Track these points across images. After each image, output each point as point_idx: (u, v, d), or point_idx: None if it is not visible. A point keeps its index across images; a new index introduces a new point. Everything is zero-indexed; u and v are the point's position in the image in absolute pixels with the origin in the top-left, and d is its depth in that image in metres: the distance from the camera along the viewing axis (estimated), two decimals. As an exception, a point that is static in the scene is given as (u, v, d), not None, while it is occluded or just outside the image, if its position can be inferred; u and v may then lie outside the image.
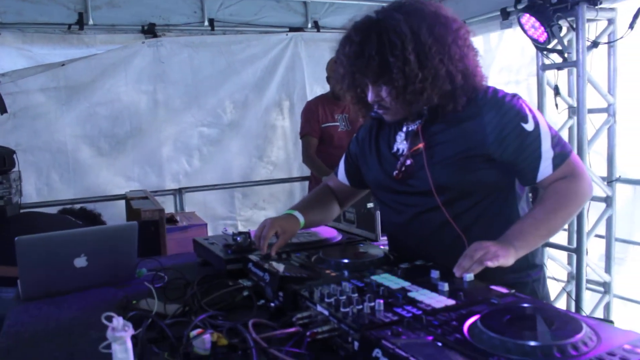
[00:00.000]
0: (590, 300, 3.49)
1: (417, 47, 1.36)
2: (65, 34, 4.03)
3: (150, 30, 4.27)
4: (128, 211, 3.46)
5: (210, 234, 3.60)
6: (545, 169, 1.40)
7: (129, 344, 0.90)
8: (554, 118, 3.51)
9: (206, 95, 4.45)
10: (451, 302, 1.13)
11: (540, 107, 3.40)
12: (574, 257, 3.39)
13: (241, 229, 3.95)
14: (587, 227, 3.28)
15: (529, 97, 3.53)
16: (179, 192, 4.35)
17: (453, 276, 1.29)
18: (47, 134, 3.94)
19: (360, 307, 1.11)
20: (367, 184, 1.75)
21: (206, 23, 4.45)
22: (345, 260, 1.49)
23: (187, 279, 1.67)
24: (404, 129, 1.56)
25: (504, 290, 1.20)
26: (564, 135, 3.46)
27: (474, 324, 0.97)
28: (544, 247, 3.52)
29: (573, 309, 3.40)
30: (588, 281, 3.47)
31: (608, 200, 3.33)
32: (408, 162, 1.51)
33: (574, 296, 3.36)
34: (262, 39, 4.61)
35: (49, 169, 3.95)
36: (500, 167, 1.45)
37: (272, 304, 1.38)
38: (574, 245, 3.38)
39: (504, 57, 4.28)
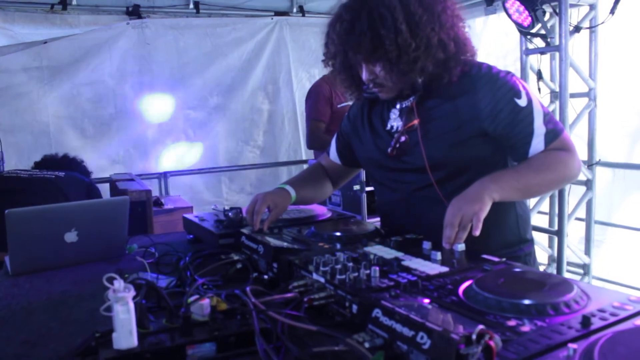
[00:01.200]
0: (570, 282, 3.57)
1: (408, 17, 1.38)
2: (48, 13, 3.95)
3: (134, 12, 4.21)
4: (113, 194, 3.42)
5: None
6: (538, 144, 1.42)
7: (131, 304, 0.91)
8: (537, 103, 3.56)
9: (192, 78, 4.41)
10: (445, 269, 1.16)
11: (524, 91, 3.44)
12: (555, 239, 3.46)
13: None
14: (567, 210, 3.36)
15: (513, 83, 3.57)
16: (163, 176, 4.32)
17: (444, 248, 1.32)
18: (29, 114, 3.88)
19: (356, 274, 1.13)
20: (360, 162, 1.76)
21: (191, 6, 4.41)
22: (338, 233, 1.51)
23: (179, 253, 1.67)
24: (398, 105, 1.58)
25: (495, 258, 1.24)
26: (547, 120, 3.51)
27: (469, 286, 1.00)
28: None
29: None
30: (568, 263, 3.55)
31: (588, 184, 3.41)
32: (403, 138, 1.53)
33: (554, 277, 3.44)
34: (247, 22, 4.58)
35: (31, 150, 3.88)
36: (494, 142, 1.47)
37: (266, 276, 1.39)
38: (555, 228, 3.46)
39: (489, 43, 4.32)
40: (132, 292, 0.93)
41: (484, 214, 1.32)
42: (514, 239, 1.60)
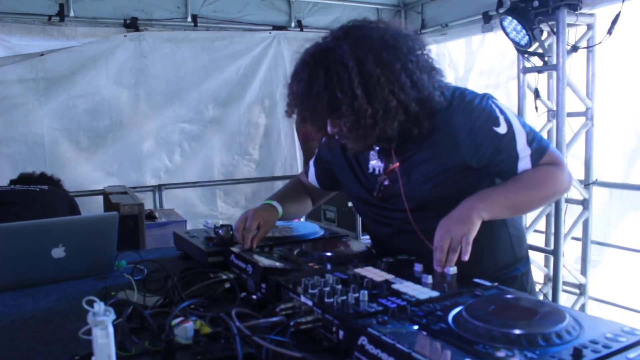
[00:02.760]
0: (566, 302, 3.55)
1: (364, 80, 1.29)
2: (46, 25, 3.95)
3: (132, 25, 4.21)
4: (106, 207, 3.40)
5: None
6: (525, 166, 1.39)
7: (111, 329, 0.88)
8: (533, 121, 3.56)
9: (188, 91, 4.40)
10: (435, 293, 1.13)
11: (521, 109, 3.45)
12: (551, 259, 3.44)
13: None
14: (564, 230, 3.34)
15: (508, 101, 3.58)
16: (158, 189, 4.30)
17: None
18: (24, 126, 3.85)
19: (345, 297, 1.10)
20: (347, 195, 1.72)
21: (189, 19, 4.41)
22: (328, 254, 1.48)
23: (167, 271, 1.64)
24: (375, 147, 1.50)
25: (487, 283, 1.21)
26: (543, 138, 3.51)
27: (458, 313, 0.98)
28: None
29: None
30: (564, 283, 3.53)
31: (585, 203, 3.39)
32: (386, 182, 1.50)
33: (550, 298, 3.41)
34: (245, 36, 4.59)
35: (25, 162, 3.83)
36: (479, 171, 1.44)
37: (255, 296, 1.36)
38: (551, 247, 3.43)
39: (485, 61, 4.34)
40: (112, 316, 0.90)
41: (472, 234, 1.30)
42: (508, 259, 1.58)
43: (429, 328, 0.94)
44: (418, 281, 1.23)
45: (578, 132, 3.32)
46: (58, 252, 1.65)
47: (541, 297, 3.56)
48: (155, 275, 1.64)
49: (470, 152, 1.39)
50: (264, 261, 1.44)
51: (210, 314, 1.09)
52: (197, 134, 4.48)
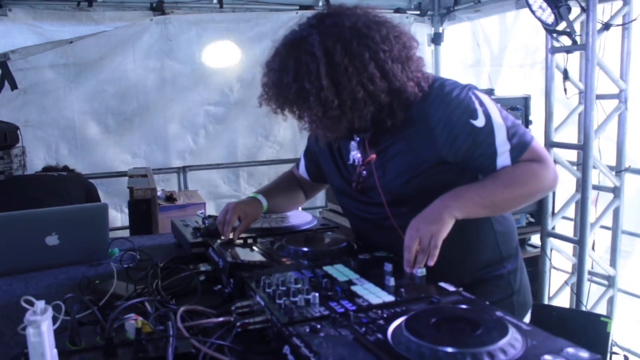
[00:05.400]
0: (594, 294, 3.39)
1: (332, 71, 1.27)
2: (75, 10, 4.05)
3: (158, 8, 4.25)
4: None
5: (212, 213, 3.62)
6: (504, 162, 1.32)
7: (43, 329, 0.90)
8: (563, 103, 3.38)
9: (213, 74, 4.43)
10: (390, 298, 1.10)
11: (548, 91, 3.26)
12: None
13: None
14: (591, 219, 3.17)
15: (543, 81, 3.39)
16: (182, 170, 4.38)
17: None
18: (56, 111, 4.00)
19: (295, 299, 1.09)
20: (331, 187, 1.71)
21: (215, 1, 4.41)
22: (304, 249, 1.47)
23: (153, 260, 1.67)
24: (356, 137, 1.48)
25: (451, 287, 1.16)
26: (574, 121, 3.32)
27: (398, 325, 0.94)
28: (548, 237, 3.43)
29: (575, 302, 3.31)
30: (593, 274, 3.37)
31: (616, 191, 3.20)
32: (363, 173, 1.46)
33: (575, 289, 3.27)
34: (271, 17, 4.54)
35: (58, 145, 4.02)
36: (457, 166, 1.37)
37: (227, 290, 1.37)
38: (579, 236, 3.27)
39: (520, 38, 4.13)
40: (48, 316, 0.92)
41: (442, 235, 1.24)
42: (493, 257, 1.51)
43: (364, 339, 0.91)
44: (381, 282, 1.19)
45: (610, 115, 3.11)
46: (52, 240, 1.71)
47: (567, 290, 3.42)
48: (145, 264, 1.68)
49: (447, 145, 1.34)
50: (238, 255, 1.44)
51: (158, 313, 1.10)
52: (222, 116, 4.51)
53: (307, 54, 1.29)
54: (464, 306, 1.02)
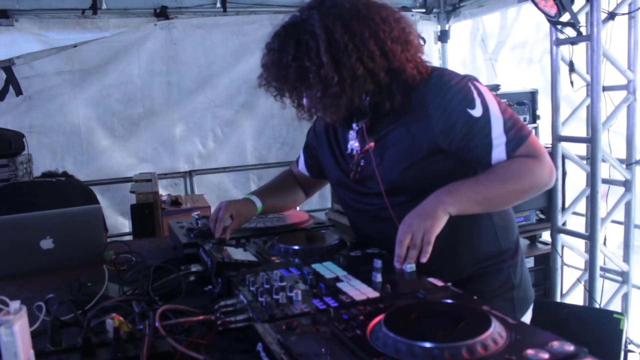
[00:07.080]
0: (608, 291, 3.30)
1: (332, 47, 1.26)
2: (80, 18, 4.09)
3: (162, 13, 4.28)
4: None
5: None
6: (499, 155, 1.29)
7: (16, 328, 0.89)
8: (570, 96, 3.30)
9: (219, 76, 4.43)
10: (375, 294, 1.07)
11: (554, 84, 3.19)
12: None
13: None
14: (602, 213, 3.09)
15: (542, 76, 3.33)
16: (189, 175, 4.38)
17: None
18: (61, 116, 4.03)
19: (277, 296, 1.06)
20: (328, 180, 1.69)
21: (218, 4, 4.43)
22: (295, 247, 1.45)
23: (146, 262, 1.66)
24: (355, 126, 1.47)
25: (440, 283, 1.13)
26: (582, 114, 3.24)
27: (378, 321, 0.91)
28: (558, 234, 3.35)
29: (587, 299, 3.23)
30: (606, 270, 3.28)
31: (627, 185, 3.11)
32: (362, 162, 1.45)
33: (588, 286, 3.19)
34: (275, 19, 4.50)
35: (63, 151, 4.05)
36: (454, 155, 1.35)
37: (216, 290, 1.35)
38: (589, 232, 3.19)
39: (520, 34, 4.07)
40: (22, 314, 0.91)
41: (435, 231, 1.22)
42: (492, 251, 1.47)
43: (343, 335, 0.88)
44: (368, 279, 1.16)
45: (618, 107, 3.03)
46: (47, 244, 1.71)
47: (580, 287, 3.33)
48: (139, 267, 1.67)
49: (443, 133, 1.32)
50: (227, 254, 1.42)
51: (138, 312, 1.09)
52: (230, 118, 4.51)
53: (306, 33, 1.29)
54: (449, 301, 0.99)
